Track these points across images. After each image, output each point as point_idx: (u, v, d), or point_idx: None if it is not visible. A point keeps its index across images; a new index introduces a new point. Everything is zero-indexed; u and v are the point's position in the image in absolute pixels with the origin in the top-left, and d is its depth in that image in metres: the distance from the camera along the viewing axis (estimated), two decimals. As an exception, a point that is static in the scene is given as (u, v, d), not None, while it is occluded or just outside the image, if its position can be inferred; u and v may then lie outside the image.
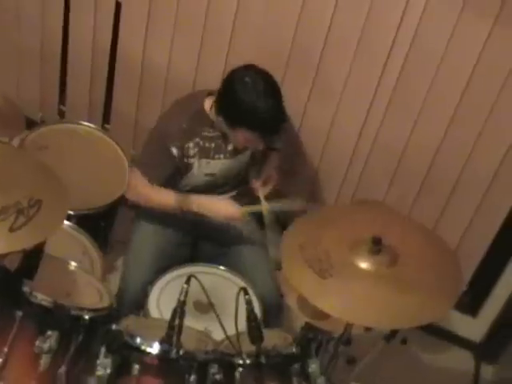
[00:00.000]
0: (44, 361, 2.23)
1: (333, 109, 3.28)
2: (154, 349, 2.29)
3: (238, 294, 2.23)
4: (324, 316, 2.43)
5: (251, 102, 2.74)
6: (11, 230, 2.06)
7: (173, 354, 2.26)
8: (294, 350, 2.46)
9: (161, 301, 2.80)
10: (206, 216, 2.96)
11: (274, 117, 2.80)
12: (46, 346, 2.22)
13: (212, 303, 2.31)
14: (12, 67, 3.91)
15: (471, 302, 3.49)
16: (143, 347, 2.29)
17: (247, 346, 2.30)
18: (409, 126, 3.18)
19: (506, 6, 2.81)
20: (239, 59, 2.97)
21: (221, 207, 2.96)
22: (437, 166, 3.22)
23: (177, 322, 2.20)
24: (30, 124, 3.65)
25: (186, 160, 2.99)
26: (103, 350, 2.29)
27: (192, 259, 3.14)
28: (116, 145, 3.46)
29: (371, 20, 3.01)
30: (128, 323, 2.46)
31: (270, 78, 2.81)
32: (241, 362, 2.35)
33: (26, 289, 2.27)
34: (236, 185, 3.16)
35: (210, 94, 2.97)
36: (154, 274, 2.94)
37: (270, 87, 2.80)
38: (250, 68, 2.82)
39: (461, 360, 3.62)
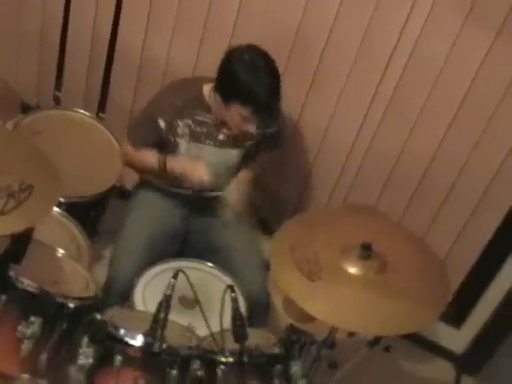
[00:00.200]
0: (26, 346, 2.21)
1: (330, 111, 3.28)
2: (138, 341, 2.27)
3: (225, 292, 2.23)
4: (309, 319, 2.42)
5: (247, 77, 2.78)
6: (1, 213, 2.04)
7: (156, 347, 2.25)
8: (277, 350, 2.45)
9: (146, 293, 2.79)
10: (183, 179, 2.98)
11: (269, 94, 2.82)
12: (28, 331, 2.21)
13: (198, 299, 2.30)
14: (10, 50, 3.88)
15: (456, 314, 3.49)
16: (126, 339, 2.28)
17: (231, 344, 2.30)
18: (405, 133, 3.18)
19: (509, 20, 2.82)
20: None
21: (194, 168, 2.97)
22: (430, 175, 3.23)
23: (162, 315, 2.20)
24: (25, 108, 3.62)
25: (171, 137, 3.02)
26: (86, 339, 2.27)
27: (182, 254, 3.12)
28: (110, 134, 3.44)
29: (374, 25, 3.02)
30: (112, 314, 2.45)
31: (269, 59, 2.84)
32: (223, 359, 2.34)
33: (12, 273, 2.26)
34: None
35: (210, 80, 2.98)
36: (143, 264, 2.93)
37: (269, 67, 2.83)
38: (251, 47, 2.86)
39: (442, 371, 3.63)
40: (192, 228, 3.17)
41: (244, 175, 3.13)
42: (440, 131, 3.11)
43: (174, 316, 2.30)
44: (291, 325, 2.53)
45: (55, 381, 2.28)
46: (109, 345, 2.29)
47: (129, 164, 3.16)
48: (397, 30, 2.99)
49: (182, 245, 3.19)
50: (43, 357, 2.26)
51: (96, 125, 3.47)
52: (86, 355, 2.24)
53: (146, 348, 2.27)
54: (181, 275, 2.20)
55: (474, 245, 3.35)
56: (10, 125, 3.24)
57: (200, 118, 3.00)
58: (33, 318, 2.24)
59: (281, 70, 2.90)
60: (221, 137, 3.04)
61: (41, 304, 2.29)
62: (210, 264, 3.01)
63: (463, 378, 3.60)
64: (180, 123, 2.99)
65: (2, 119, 3.14)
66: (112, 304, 2.65)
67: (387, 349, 3.00)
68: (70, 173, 2.93)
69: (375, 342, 2.80)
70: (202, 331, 2.45)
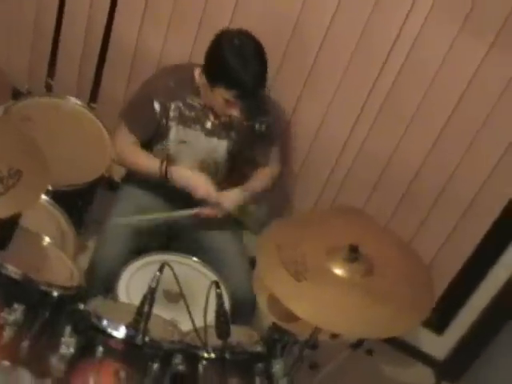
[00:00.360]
0: (7, 333, 2.19)
1: (323, 109, 3.28)
2: (120, 333, 2.26)
3: (210, 287, 2.22)
4: (292, 318, 2.41)
5: (235, 62, 2.78)
6: (-12, 197, 2.03)
7: (138, 340, 2.24)
8: (259, 348, 2.45)
9: (131, 286, 2.77)
10: (184, 188, 2.99)
11: (255, 82, 2.82)
12: (11, 318, 2.19)
13: (183, 294, 2.29)
14: (4, 35, 3.85)
15: (438, 320, 3.50)
16: (109, 330, 2.26)
17: (213, 340, 2.29)
18: (397, 137, 3.19)
19: (505, 28, 2.83)
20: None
21: (198, 182, 2.98)
22: (420, 179, 3.24)
23: (146, 308, 2.19)
24: (16, 94, 3.60)
25: (164, 121, 3.02)
26: (69, 328, 2.26)
27: (167, 248, 3.12)
28: (101, 124, 3.41)
29: (371, 25, 3.03)
30: (96, 304, 2.44)
31: (259, 46, 2.84)
32: (205, 355, 2.34)
33: (-4, 259, 2.25)
34: None
35: (201, 66, 2.98)
36: (127, 253, 2.92)
37: (258, 55, 2.83)
38: (242, 32, 2.86)
39: (422, 376, 3.64)
40: (179, 223, 3.15)
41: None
42: (433, 134, 3.12)
43: (157, 310, 2.28)
44: (274, 323, 2.52)
45: (36, 369, 2.26)
46: (91, 335, 2.27)
47: (125, 159, 3.13)
48: (396, 28, 2.99)
49: (167, 238, 3.19)
50: (24, 344, 2.24)
51: (87, 114, 3.44)
52: (67, 345, 2.22)
53: (129, 340, 2.25)
54: (166, 269, 2.19)
55: (460, 251, 3.36)
56: (0, 110, 3.23)
57: (190, 102, 3.01)
58: (16, 305, 2.22)
59: (276, 65, 2.90)
60: (208, 125, 3.04)
61: (24, 291, 2.27)
62: (195, 259, 3.00)
63: (443, 384, 3.62)
64: (172, 105, 3.00)
65: (-9, 104, 3.13)
66: (96, 294, 2.63)
67: (370, 352, 3.01)
68: (59, 161, 2.90)
69: (358, 344, 2.80)
70: (184, 326, 2.44)
